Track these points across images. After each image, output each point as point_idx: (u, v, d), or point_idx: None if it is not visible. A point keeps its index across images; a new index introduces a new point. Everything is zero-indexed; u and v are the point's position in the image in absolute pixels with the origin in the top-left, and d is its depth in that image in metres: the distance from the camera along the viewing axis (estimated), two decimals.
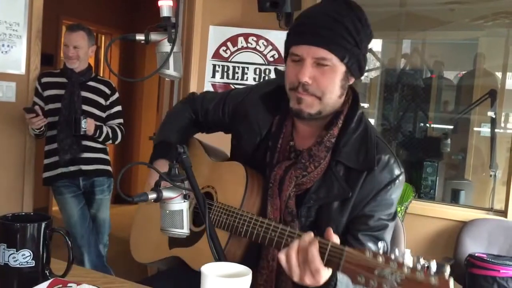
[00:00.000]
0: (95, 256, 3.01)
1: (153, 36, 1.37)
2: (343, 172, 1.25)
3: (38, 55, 3.16)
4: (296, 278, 1.06)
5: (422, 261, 0.92)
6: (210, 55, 3.48)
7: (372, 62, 4.78)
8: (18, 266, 0.99)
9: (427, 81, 4.42)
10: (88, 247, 2.99)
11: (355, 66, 1.24)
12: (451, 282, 0.88)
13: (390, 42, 4.75)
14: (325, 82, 1.22)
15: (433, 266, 0.90)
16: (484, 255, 2.77)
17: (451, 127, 4.20)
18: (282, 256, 1.07)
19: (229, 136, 1.52)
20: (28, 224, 1.01)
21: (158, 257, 1.47)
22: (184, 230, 1.25)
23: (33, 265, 1.01)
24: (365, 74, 4.87)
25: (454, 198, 3.70)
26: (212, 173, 1.43)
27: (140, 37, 1.37)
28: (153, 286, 1.20)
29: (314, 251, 1.02)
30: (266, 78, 3.42)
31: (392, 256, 0.94)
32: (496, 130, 3.65)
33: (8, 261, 0.99)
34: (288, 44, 1.28)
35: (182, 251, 1.40)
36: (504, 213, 3.01)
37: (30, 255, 1.00)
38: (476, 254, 2.78)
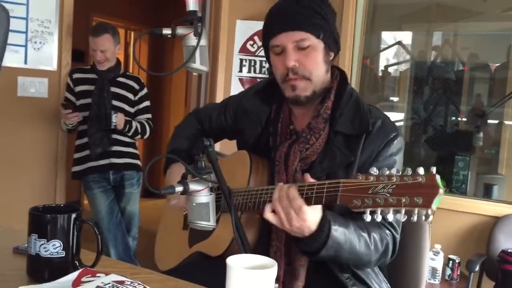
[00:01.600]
0: (122, 250, 3.06)
1: (180, 30, 1.38)
2: (342, 141, 1.33)
3: (69, 51, 3.23)
4: (286, 225, 1.16)
5: (410, 171, 0.97)
6: (237, 49, 3.49)
7: (402, 55, 4.71)
8: (48, 256, 1.02)
9: (458, 74, 4.32)
10: (115, 241, 3.04)
11: (331, 41, 1.35)
12: (437, 176, 0.94)
13: (420, 34, 4.66)
14: (310, 62, 1.32)
15: (420, 170, 0.96)
16: None
17: (484, 120, 4.09)
18: (267, 209, 1.18)
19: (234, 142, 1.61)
20: (59, 215, 1.03)
21: (181, 257, 1.51)
22: (210, 222, 1.26)
23: (63, 255, 1.03)
24: (395, 67, 4.80)
25: (486, 193, 3.61)
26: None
27: (166, 31, 1.37)
28: (179, 277, 1.21)
29: (293, 191, 1.14)
30: None
31: (385, 173, 1.00)
32: None
33: (39, 251, 1.01)
34: (266, 39, 1.38)
35: (202, 245, 1.44)
36: None
37: (60, 245, 1.02)
38: (509, 250, 2.72)
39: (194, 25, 1.36)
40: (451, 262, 2.81)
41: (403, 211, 0.96)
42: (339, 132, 1.33)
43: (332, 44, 1.36)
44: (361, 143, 1.30)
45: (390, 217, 0.97)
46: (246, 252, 1.15)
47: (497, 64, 4.34)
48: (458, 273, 2.83)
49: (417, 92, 4.37)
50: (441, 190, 0.94)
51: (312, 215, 1.15)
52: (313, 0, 1.32)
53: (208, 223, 1.26)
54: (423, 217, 0.95)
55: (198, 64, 1.40)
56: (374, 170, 1.02)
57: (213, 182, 1.23)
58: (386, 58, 4.76)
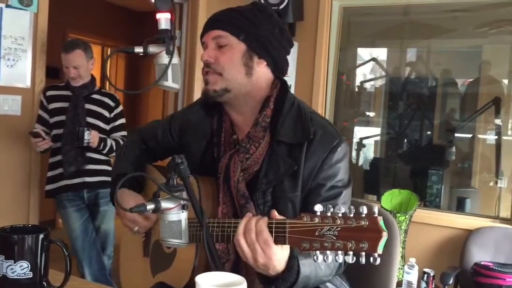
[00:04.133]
0: (96, 270, 3.01)
1: (151, 49, 1.38)
2: (285, 151, 1.31)
3: (43, 68, 3.19)
4: (250, 261, 1.11)
5: (353, 209, 0.97)
6: None
7: (378, 71, 4.79)
8: (16, 277, 1.00)
9: (432, 89, 4.41)
10: (89, 260, 2.99)
11: (257, 45, 1.34)
12: (380, 219, 0.94)
13: (394, 51, 4.75)
14: (224, 59, 1.33)
15: (364, 210, 0.96)
16: (491, 264, 2.75)
17: (458, 135, 4.18)
18: (236, 243, 1.12)
19: None
20: (26, 236, 1.01)
21: (146, 287, 1.49)
22: (182, 240, 1.26)
23: (31, 276, 1.01)
24: (371, 83, 4.87)
25: (459, 206, 3.67)
26: None
27: (138, 49, 1.38)
28: None
29: (262, 224, 1.08)
30: None
31: (328, 214, 0.99)
32: (503, 138, 3.63)
33: (6, 273, 1.00)
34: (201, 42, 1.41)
35: (164, 275, 1.43)
36: (510, 221, 3.00)
37: (28, 266, 1.01)
38: (482, 263, 2.76)
39: (166, 44, 1.37)
40: (425, 275, 2.83)
41: (351, 253, 0.95)
42: (281, 141, 1.32)
43: (260, 49, 1.34)
44: (303, 151, 1.30)
45: (340, 258, 0.96)
46: (218, 270, 1.14)
47: (469, 80, 4.44)
48: (433, 286, 2.85)
49: (392, 108, 4.44)
50: (385, 233, 0.93)
51: (280, 254, 1.09)
52: (246, 7, 1.37)
53: (180, 241, 1.26)
54: (371, 260, 0.94)
55: (170, 82, 1.40)
56: (318, 208, 1.00)
57: (185, 200, 1.23)
58: (363, 73, 4.83)
